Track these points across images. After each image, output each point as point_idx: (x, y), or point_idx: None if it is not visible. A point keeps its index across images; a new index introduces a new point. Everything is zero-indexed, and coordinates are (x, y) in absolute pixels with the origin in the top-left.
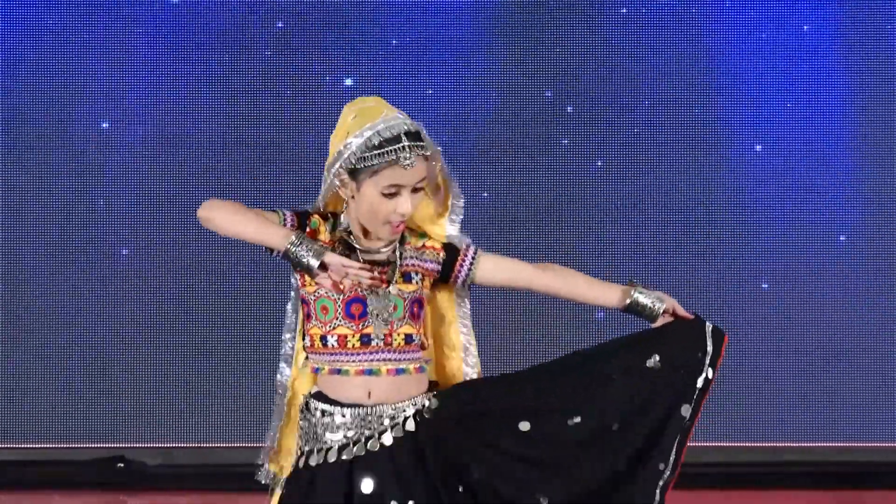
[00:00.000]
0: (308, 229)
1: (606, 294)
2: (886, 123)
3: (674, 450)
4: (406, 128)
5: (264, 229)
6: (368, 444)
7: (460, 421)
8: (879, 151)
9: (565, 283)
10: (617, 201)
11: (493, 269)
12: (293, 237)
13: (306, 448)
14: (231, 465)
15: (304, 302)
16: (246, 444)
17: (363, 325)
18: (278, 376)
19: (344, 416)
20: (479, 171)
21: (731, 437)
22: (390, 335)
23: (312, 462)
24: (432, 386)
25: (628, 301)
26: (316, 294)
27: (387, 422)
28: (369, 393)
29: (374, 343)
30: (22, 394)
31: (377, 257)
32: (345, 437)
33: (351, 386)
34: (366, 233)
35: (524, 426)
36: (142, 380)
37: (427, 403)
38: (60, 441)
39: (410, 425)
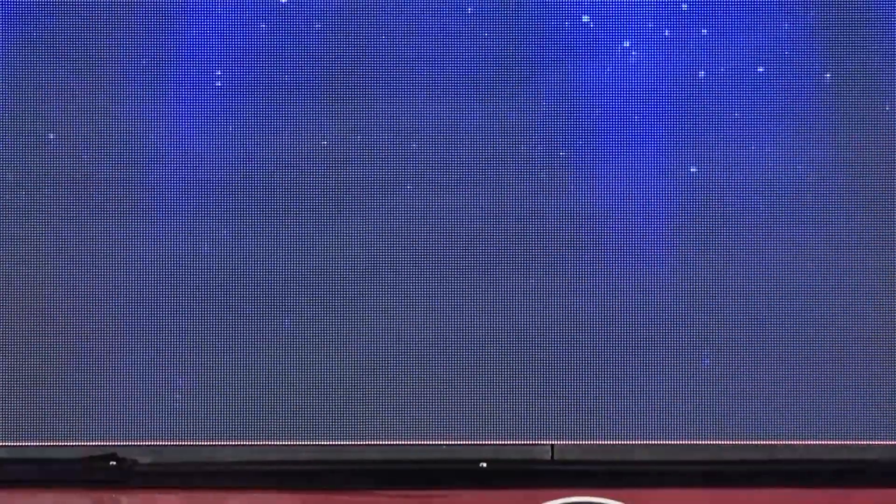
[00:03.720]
0: None
1: None
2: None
3: None
4: None
5: None
6: None
7: None
8: None
9: None
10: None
11: None
12: None
13: None
14: (223, 462)
15: None
16: (238, 443)
17: None
18: None
19: None
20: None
21: (722, 435)
22: None
23: None
24: None
25: None
26: None
27: None
28: None
29: None
30: (12, 391)
31: None
32: None
33: None
34: None
35: None
36: (134, 377)
37: None
38: (51, 439)
39: None
